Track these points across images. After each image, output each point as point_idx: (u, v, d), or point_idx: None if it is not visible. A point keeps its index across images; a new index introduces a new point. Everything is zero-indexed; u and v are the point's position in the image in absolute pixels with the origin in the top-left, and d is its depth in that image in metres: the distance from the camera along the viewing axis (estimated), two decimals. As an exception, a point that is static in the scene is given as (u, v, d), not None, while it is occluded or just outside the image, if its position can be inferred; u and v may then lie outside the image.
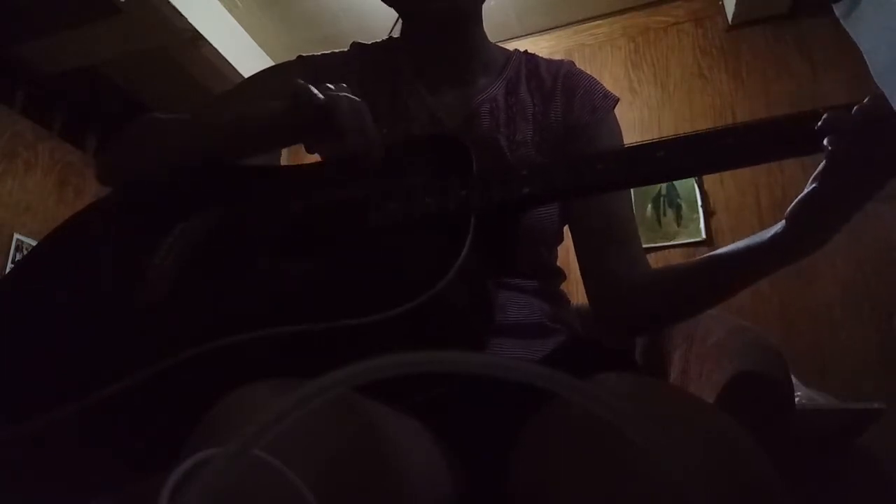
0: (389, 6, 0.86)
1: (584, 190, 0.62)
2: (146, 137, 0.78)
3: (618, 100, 0.82)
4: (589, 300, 0.78)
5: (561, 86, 0.80)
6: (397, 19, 0.88)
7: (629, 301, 0.74)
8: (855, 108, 0.51)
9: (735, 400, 0.69)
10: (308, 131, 0.65)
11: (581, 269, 0.78)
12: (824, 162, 0.54)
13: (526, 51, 0.87)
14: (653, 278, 0.73)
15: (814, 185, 0.56)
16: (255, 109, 0.70)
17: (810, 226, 0.58)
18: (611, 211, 0.76)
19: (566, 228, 0.81)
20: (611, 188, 0.63)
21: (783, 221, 0.60)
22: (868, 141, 0.51)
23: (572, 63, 0.84)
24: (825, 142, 0.51)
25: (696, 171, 0.60)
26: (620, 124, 0.82)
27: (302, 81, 0.65)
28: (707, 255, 0.69)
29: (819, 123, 0.52)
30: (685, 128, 2.37)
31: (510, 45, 0.90)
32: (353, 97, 0.63)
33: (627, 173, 0.58)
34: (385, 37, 0.89)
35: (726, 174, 2.22)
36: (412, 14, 0.81)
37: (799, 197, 0.58)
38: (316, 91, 0.63)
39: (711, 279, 0.68)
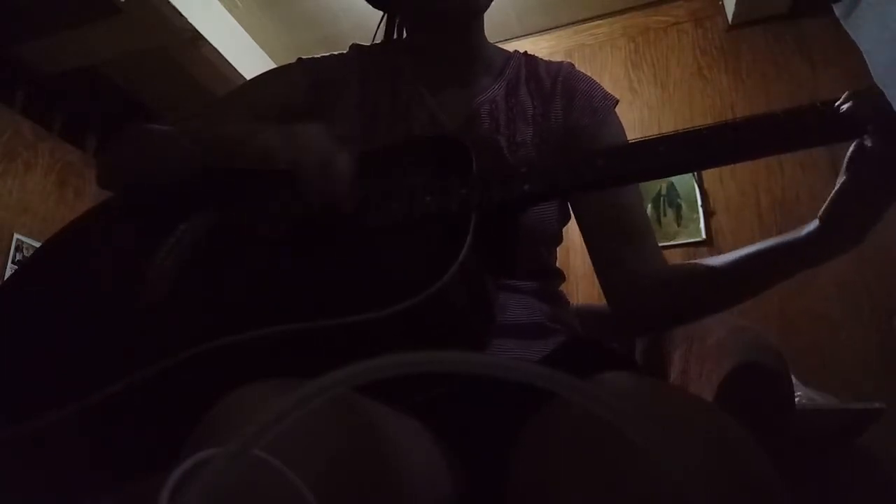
0: (385, 10, 0.86)
1: (586, 186, 0.62)
2: (135, 147, 0.78)
3: (617, 101, 0.82)
4: (606, 297, 0.77)
5: (560, 87, 0.80)
6: (381, 20, 0.88)
7: (648, 297, 0.73)
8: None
9: (735, 395, 0.69)
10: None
11: (596, 267, 0.77)
12: (850, 150, 0.55)
13: (525, 52, 0.87)
14: (673, 274, 0.73)
15: (843, 178, 0.57)
16: (241, 135, 0.69)
17: (845, 220, 0.58)
18: (622, 208, 0.75)
19: (576, 229, 0.81)
20: (611, 184, 0.63)
21: (816, 220, 0.60)
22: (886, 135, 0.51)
23: (572, 65, 0.84)
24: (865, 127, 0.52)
25: (697, 166, 0.60)
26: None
27: (278, 136, 0.64)
28: (732, 253, 0.68)
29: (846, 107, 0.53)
30: (685, 127, 2.36)
31: (510, 45, 0.90)
32: (327, 152, 0.62)
33: (627, 168, 0.58)
34: (375, 38, 0.89)
35: (726, 174, 2.22)
36: (419, 14, 0.81)
37: (831, 194, 0.58)
38: (288, 144, 0.63)
39: (735, 279, 0.67)
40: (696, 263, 0.72)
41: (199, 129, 0.76)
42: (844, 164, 0.57)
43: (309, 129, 0.65)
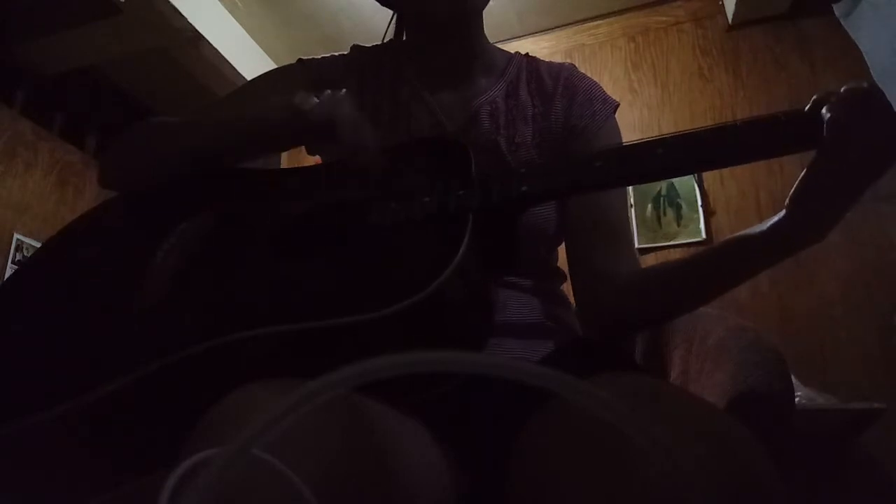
0: (390, 8, 0.86)
1: (582, 187, 0.62)
2: (147, 139, 0.78)
3: (617, 105, 0.82)
4: (574, 294, 0.77)
5: (562, 88, 0.80)
6: (391, 19, 0.88)
7: (613, 299, 0.73)
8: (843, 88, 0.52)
9: (735, 396, 0.69)
10: (308, 140, 0.67)
11: (569, 266, 0.78)
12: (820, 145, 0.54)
13: (527, 53, 0.87)
14: (641, 276, 0.73)
15: (809, 168, 0.56)
16: (256, 113, 0.70)
17: (812, 210, 0.57)
18: (601, 207, 0.76)
19: None
20: (609, 185, 0.63)
21: (783, 210, 0.59)
22: (860, 119, 0.51)
23: (573, 66, 0.84)
24: (823, 111, 0.52)
25: (696, 168, 0.60)
26: (621, 125, 0.82)
27: (303, 92, 0.66)
28: (699, 251, 0.68)
29: (812, 106, 0.53)
30: (685, 128, 2.36)
31: (510, 45, 0.90)
32: (351, 108, 0.65)
33: (625, 170, 0.58)
34: (383, 39, 0.89)
35: (726, 174, 2.22)
36: (415, 14, 0.81)
37: (797, 181, 0.57)
38: (316, 101, 0.65)
39: (703, 275, 0.67)
40: (663, 265, 0.72)
41: (207, 119, 0.77)
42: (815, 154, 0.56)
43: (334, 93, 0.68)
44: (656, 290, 0.71)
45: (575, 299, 0.78)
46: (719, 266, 0.66)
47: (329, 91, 0.66)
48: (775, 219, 0.60)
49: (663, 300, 0.71)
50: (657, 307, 0.72)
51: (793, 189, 0.58)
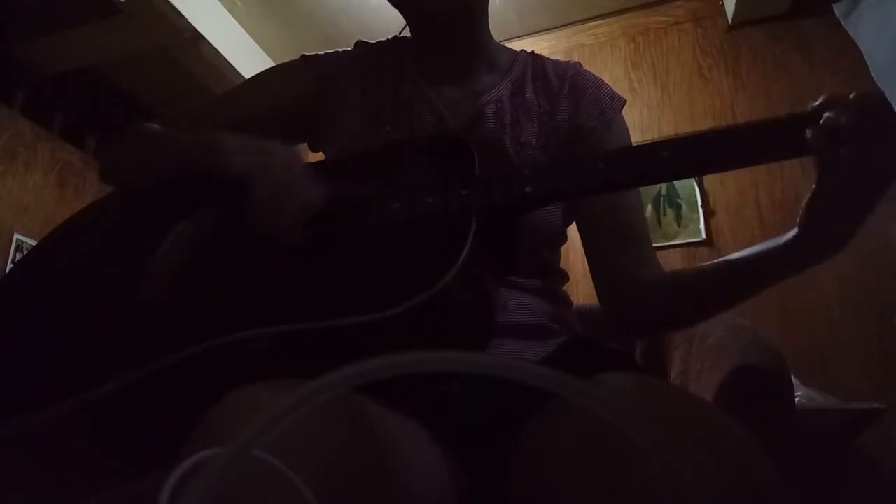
0: (395, 7, 0.86)
1: (586, 190, 0.61)
2: (134, 146, 0.77)
3: (625, 101, 0.81)
4: (598, 298, 0.77)
5: (568, 87, 0.79)
6: (405, 26, 0.88)
7: (639, 301, 0.73)
8: (853, 97, 0.51)
9: (735, 395, 0.69)
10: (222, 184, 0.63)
11: (591, 269, 0.77)
12: (818, 163, 0.54)
13: (532, 51, 0.86)
14: (664, 279, 0.72)
15: (815, 186, 0.56)
16: (199, 139, 0.68)
17: (822, 227, 0.57)
18: (621, 210, 0.75)
19: (575, 228, 0.81)
20: (613, 188, 0.62)
21: (796, 227, 0.59)
22: (866, 140, 0.50)
23: (579, 64, 0.84)
24: (813, 140, 0.51)
25: (701, 171, 0.59)
26: (621, 125, 0.82)
27: (232, 138, 0.63)
28: (720, 259, 0.67)
29: (813, 128, 0.51)
30: (685, 128, 2.37)
31: (511, 45, 0.89)
32: (282, 167, 0.61)
33: (630, 172, 0.57)
34: (390, 36, 0.89)
35: (726, 174, 2.22)
36: (415, 12, 0.81)
37: (806, 199, 0.57)
38: (239, 151, 0.62)
39: (724, 284, 0.67)
40: (686, 270, 0.72)
41: (183, 131, 0.75)
42: (817, 171, 0.55)
43: (279, 146, 0.63)
44: (679, 295, 0.70)
45: (600, 303, 0.77)
46: (737, 279, 0.66)
47: (274, 148, 0.63)
48: (789, 235, 0.59)
49: (685, 304, 0.71)
50: (681, 311, 0.72)
51: (802, 207, 0.57)
